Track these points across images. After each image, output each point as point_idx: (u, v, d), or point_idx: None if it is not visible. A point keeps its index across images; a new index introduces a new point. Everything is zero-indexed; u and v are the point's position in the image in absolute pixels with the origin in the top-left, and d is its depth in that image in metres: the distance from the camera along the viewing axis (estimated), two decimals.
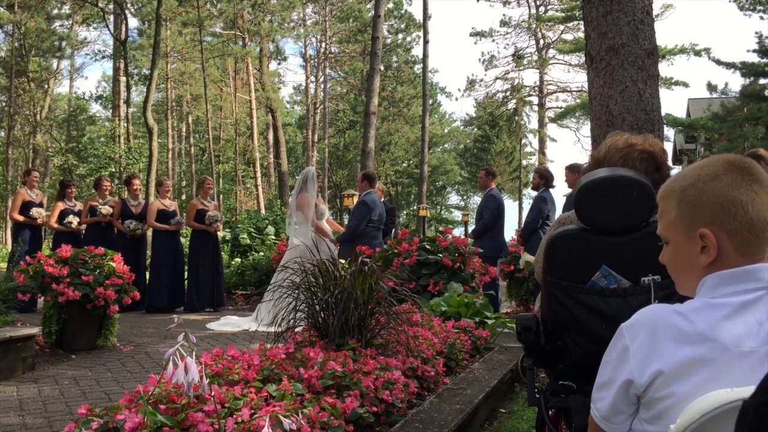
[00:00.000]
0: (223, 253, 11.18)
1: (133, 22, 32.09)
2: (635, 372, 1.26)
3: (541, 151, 42.08)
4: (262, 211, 26.16)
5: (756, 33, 20.00)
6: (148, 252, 9.80)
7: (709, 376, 1.21)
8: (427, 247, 6.87)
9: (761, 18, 20.01)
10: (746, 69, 20.04)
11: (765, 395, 0.86)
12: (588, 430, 1.48)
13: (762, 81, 20.65)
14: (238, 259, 11.64)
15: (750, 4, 20.04)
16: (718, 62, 20.52)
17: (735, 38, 77.16)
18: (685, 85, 29.36)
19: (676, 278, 1.40)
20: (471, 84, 43.10)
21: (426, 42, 23.52)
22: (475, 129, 47.69)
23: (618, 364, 1.31)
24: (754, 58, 20.27)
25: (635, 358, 1.27)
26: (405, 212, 46.83)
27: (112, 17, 26.97)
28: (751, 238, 1.27)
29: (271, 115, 33.18)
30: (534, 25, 39.82)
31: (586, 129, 38.71)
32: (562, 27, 38.48)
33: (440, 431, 3.11)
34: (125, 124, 26.65)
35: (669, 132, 26.68)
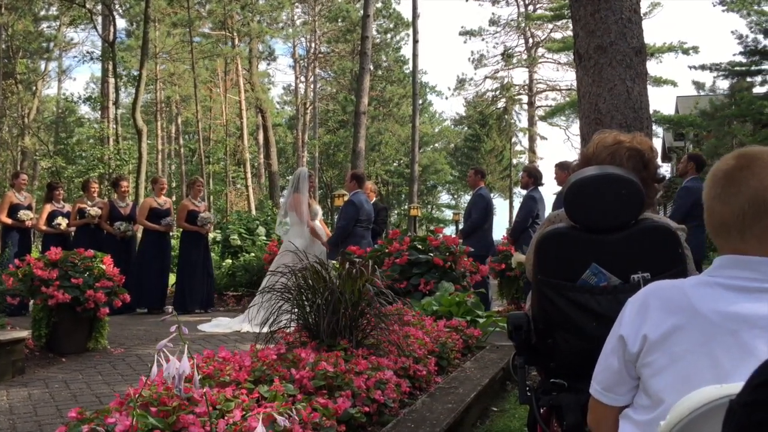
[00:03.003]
0: (213, 254, 11.14)
1: (121, 23, 31.99)
2: (630, 336, 1.32)
3: (531, 149, 42.19)
4: (253, 211, 26.08)
5: (735, 34, 20.12)
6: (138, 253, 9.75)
7: (690, 347, 1.25)
8: (418, 246, 6.87)
9: (748, 14, 20.10)
10: (731, 72, 20.18)
11: (752, 394, 0.87)
12: (588, 419, 1.51)
13: (749, 78, 20.77)
14: (229, 260, 11.61)
15: (736, 4, 20.14)
16: (703, 67, 20.71)
17: (724, 35, 77.61)
18: (674, 84, 29.44)
19: None
20: (461, 83, 43.17)
21: (415, 41, 23.54)
22: (466, 128, 47.75)
23: (613, 331, 1.39)
24: (739, 58, 20.40)
25: (626, 320, 1.35)
26: (396, 212, 46.80)
27: (100, 18, 26.81)
28: (716, 234, 1.33)
29: (260, 116, 33.08)
30: (523, 24, 39.90)
31: (575, 127, 38.83)
32: (550, 26, 38.59)
33: (432, 430, 3.12)
34: (114, 126, 26.54)
35: (658, 129, 26.82)
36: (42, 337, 5.76)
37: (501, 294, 9.04)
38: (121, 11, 29.18)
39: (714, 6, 20.47)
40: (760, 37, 19.91)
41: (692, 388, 1.12)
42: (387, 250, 6.90)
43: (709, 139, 21.45)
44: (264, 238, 12.32)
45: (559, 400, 2.07)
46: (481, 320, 5.94)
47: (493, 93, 43.03)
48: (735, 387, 0.99)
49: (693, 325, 1.25)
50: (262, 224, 12.86)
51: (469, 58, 56.04)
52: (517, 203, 36.81)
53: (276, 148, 33.99)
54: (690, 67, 22.44)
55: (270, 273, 6.78)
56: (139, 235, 9.84)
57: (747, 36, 19.89)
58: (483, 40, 42.66)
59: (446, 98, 54.46)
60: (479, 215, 8.43)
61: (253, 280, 10.40)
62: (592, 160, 2.23)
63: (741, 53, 20.17)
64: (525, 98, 43.08)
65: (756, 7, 19.69)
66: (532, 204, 8.28)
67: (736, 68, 20.21)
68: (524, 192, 8.64)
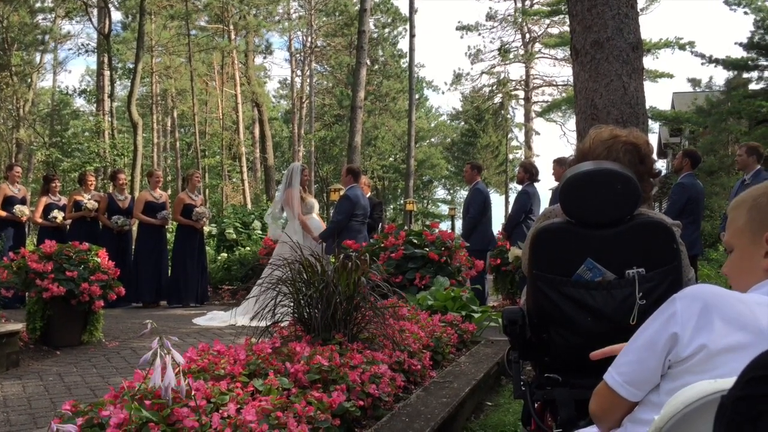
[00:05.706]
0: (208, 248, 11.13)
1: (117, 16, 31.78)
2: (685, 338, 1.24)
3: (527, 145, 42.18)
4: (249, 205, 26.07)
5: (750, 31, 20.07)
6: (134, 247, 9.75)
7: None
8: (414, 241, 6.87)
9: (745, 13, 20.08)
10: (730, 65, 20.15)
11: (743, 389, 0.87)
12: (592, 405, 1.45)
13: (746, 75, 20.76)
14: (225, 254, 11.60)
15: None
16: (702, 56, 20.62)
17: (720, 32, 77.69)
18: (670, 76, 29.44)
19: (735, 285, 1.39)
20: (457, 78, 43.09)
21: (412, 36, 23.45)
22: (462, 123, 47.72)
23: (662, 328, 1.28)
24: (739, 51, 20.36)
25: (681, 319, 1.25)
26: (392, 206, 46.78)
27: (95, 11, 26.68)
28: None
29: (257, 110, 32.99)
30: (520, 19, 39.82)
31: (571, 123, 38.80)
32: (547, 21, 38.52)
33: (427, 424, 3.12)
34: (110, 119, 26.44)
35: (654, 125, 26.85)
36: (36, 329, 5.75)
37: (496, 289, 9.06)
38: (116, 3, 29.02)
39: (730, 8, 20.28)
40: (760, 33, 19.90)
41: None
42: (382, 245, 6.90)
43: (704, 136, 21.49)
44: (259, 232, 12.30)
45: (553, 395, 2.07)
46: (476, 315, 5.95)
47: (490, 88, 43.01)
48: (728, 382, 0.98)
49: (756, 346, 1.19)
50: (258, 218, 12.83)
51: (465, 53, 56.06)
52: (513, 198, 36.79)
53: (272, 142, 33.92)
54: (691, 53, 22.26)
55: (269, 266, 6.80)
56: (135, 228, 9.83)
57: (753, 33, 19.83)
58: (480, 35, 42.80)
59: (443, 93, 54.76)
60: (477, 210, 8.44)
61: (249, 274, 10.39)
62: (588, 155, 2.23)
63: (740, 45, 20.12)
64: (521, 94, 43.03)
65: (757, 3, 19.67)
66: (525, 199, 8.31)
67: (733, 63, 20.19)
68: (520, 187, 8.66)
